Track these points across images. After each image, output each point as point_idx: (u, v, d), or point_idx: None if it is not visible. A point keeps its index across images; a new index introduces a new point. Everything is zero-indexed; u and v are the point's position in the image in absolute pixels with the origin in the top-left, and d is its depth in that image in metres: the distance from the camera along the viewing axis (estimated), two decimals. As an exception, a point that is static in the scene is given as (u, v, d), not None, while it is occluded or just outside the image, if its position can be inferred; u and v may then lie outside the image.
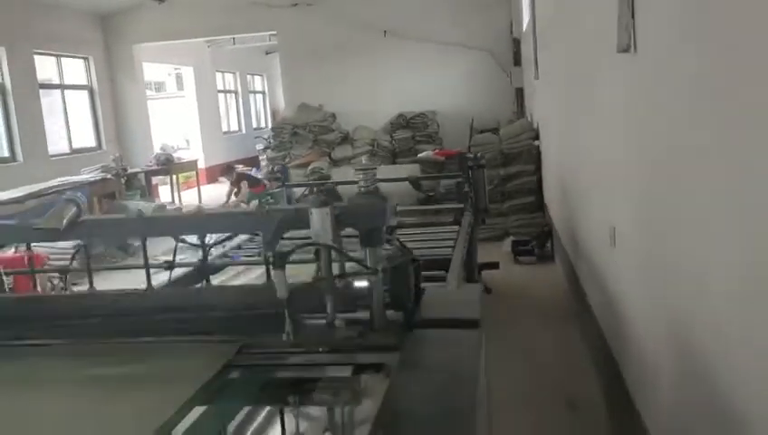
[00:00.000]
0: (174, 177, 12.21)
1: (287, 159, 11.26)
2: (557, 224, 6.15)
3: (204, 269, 1.74)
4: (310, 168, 10.00)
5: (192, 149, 15.79)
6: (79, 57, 11.70)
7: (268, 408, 1.67)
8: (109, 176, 9.57)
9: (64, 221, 1.59)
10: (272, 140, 12.62)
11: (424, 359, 1.50)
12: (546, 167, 6.95)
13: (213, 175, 15.07)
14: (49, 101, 11.12)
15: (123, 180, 10.02)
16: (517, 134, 7.74)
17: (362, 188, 1.63)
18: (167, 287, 1.81)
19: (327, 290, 1.56)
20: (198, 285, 1.86)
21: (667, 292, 2.15)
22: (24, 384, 1.49)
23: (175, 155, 12.56)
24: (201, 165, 14.07)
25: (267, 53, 19.49)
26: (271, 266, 1.56)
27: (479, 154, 5.03)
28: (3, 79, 9.75)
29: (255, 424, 1.69)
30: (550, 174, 6.63)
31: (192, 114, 15.66)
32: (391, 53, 11.53)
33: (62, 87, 11.44)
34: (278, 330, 1.58)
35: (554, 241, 6.35)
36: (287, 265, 1.50)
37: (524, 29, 8.90)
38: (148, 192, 11.25)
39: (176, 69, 17.49)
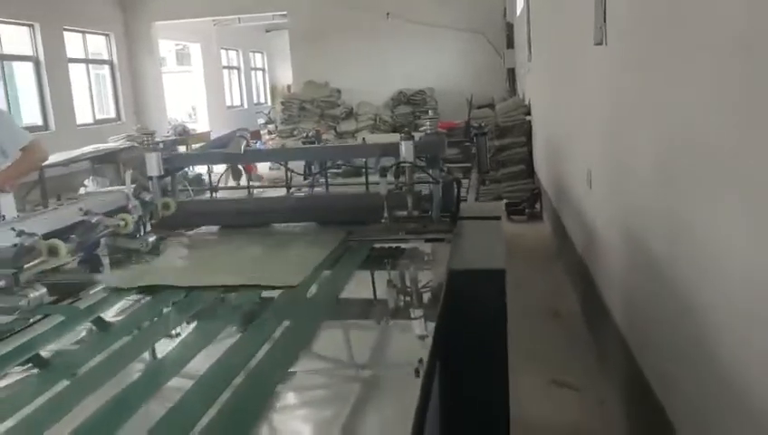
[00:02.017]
0: (187, 147, 13.05)
1: (296, 132, 12.16)
2: (545, 186, 7.14)
3: (317, 184, 2.69)
4: (318, 140, 10.90)
5: (197, 122, 16.58)
6: (101, 34, 12.46)
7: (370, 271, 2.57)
8: (135, 144, 10.42)
9: (242, 149, 2.53)
10: (272, 116, 13.51)
11: (468, 234, 2.46)
12: (537, 138, 7.93)
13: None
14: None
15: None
16: (511, 110, 8.68)
17: (428, 131, 2.57)
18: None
19: (408, 193, 2.52)
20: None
21: (618, 199, 3.15)
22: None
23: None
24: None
25: (267, 31, 20.21)
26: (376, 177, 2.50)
27: (482, 124, 5.99)
28: (37, 53, 10.53)
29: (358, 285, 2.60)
30: (540, 144, 7.61)
31: (199, 89, 16.45)
32: (393, 33, 12.38)
33: (86, 61, 12.23)
34: (375, 220, 2.53)
35: (542, 203, 7.35)
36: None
37: (518, 14, 9.79)
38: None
39: (177, 45, 18.20)
